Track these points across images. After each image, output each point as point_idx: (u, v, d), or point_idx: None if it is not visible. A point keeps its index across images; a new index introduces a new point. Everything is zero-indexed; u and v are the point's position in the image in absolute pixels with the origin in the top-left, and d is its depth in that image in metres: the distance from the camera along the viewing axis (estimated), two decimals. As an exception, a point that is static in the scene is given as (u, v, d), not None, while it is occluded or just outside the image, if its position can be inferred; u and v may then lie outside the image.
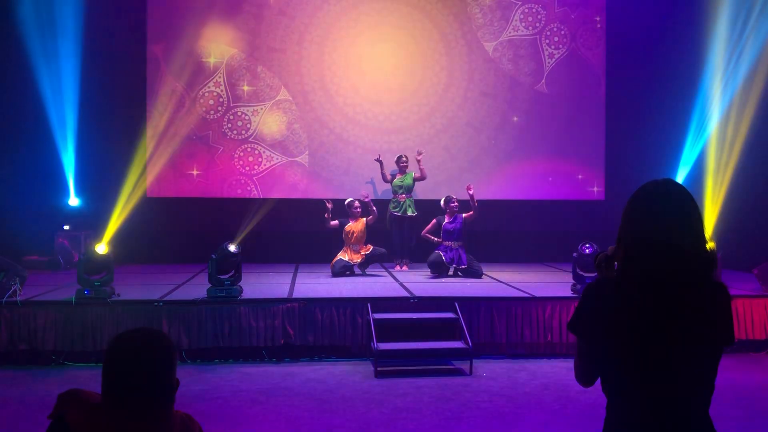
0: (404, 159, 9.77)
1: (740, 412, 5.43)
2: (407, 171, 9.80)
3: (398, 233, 9.71)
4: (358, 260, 9.00)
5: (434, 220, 9.10)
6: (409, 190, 9.74)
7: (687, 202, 1.99)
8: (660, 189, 2.02)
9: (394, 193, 9.77)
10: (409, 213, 9.67)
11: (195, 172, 10.62)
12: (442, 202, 9.08)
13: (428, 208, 9.66)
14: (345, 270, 8.93)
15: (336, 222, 9.01)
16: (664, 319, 1.93)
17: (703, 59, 9.83)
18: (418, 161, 9.67)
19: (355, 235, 8.97)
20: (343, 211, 9.12)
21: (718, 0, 9.63)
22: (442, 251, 8.91)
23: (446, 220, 8.99)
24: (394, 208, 9.69)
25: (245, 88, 10.69)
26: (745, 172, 9.39)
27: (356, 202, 9.09)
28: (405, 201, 9.68)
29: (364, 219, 9.05)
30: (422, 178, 9.82)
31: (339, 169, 10.84)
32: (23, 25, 9.65)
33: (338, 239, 9.14)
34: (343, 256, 9.02)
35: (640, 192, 2.04)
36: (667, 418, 1.93)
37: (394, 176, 9.82)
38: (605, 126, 11.23)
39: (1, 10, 9.70)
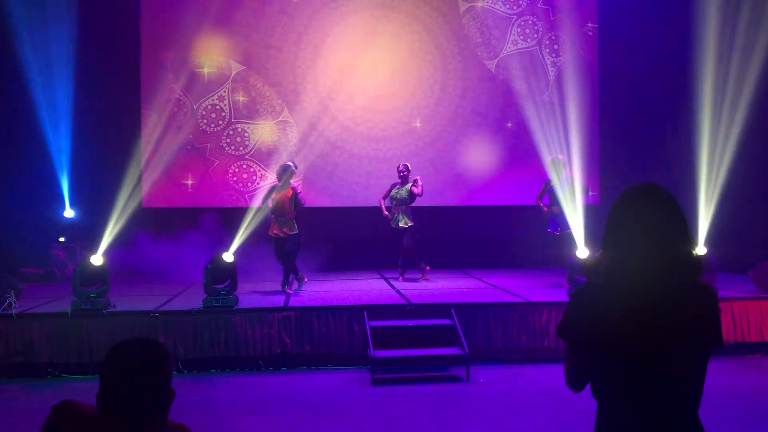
0: (401, 168, 9.29)
1: (736, 414, 5.44)
2: (407, 182, 9.24)
3: (396, 246, 9.42)
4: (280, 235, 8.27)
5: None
6: (402, 202, 9.21)
7: (670, 205, 1.99)
8: (643, 193, 2.02)
9: (392, 206, 9.32)
10: (401, 225, 9.20)
11: (189, 182, 10.62)
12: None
13: (426, 214, 9.58)
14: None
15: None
16: (651, 322, 1.93)
17: (694, 62, 9.88)
18: None
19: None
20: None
21: (708, 3, 9.70)
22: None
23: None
24: (392, 221, 9.28)
25: (243, 102, 10.70)
26: (738, 174, 9.43)
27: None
28: (398, 214, 9.20)
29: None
30: (419, 194, 9.25)
31: (323, 172, 10.84)
32: (17, 37, 9.65)
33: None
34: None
35: (624, 196, 2.04)
36: (656, 421, 1.94)
37: (393, 187, 9.35)
38: (599, 130, 11.27)
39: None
